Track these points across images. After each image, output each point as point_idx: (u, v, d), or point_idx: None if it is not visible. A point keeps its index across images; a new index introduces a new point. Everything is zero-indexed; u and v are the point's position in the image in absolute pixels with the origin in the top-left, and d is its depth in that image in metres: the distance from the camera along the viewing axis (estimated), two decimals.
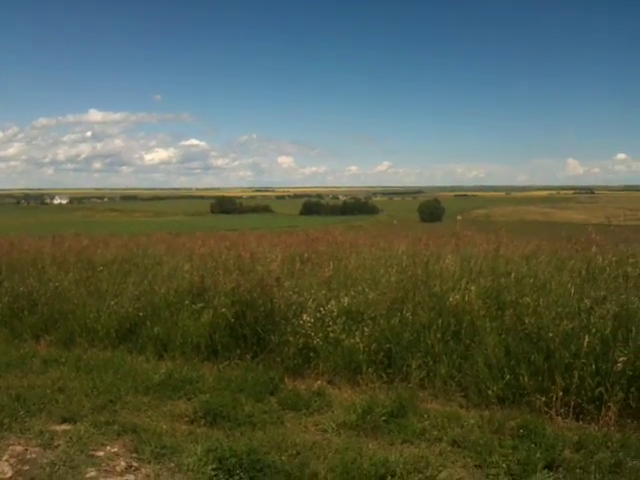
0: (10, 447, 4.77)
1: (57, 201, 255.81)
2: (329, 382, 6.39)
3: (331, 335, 6.64)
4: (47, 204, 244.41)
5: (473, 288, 7.11)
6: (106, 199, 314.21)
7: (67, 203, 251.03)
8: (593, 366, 5.47)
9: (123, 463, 4.54)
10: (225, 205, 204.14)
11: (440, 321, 6.65)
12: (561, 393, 5.43)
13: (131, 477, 4.35)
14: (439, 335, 6.51)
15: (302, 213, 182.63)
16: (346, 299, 7.18)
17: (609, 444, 4.73)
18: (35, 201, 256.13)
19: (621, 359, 5.35)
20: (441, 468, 4.42)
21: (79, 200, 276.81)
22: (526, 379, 5.66)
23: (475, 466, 4.51)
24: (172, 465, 4.48)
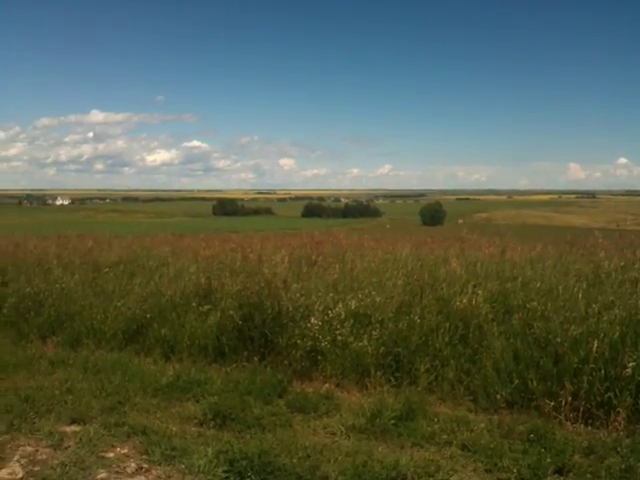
0: (20, 448, 4.79)
1: (59, 202, 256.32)
2: (337, 385, 6.39)
3: (339, 338, 6.63)
4: (49, 205, 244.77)
5: (480, 292, 7.12)
6: (108, 200, 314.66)
7: (69, 204, 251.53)
8: (602, 371, 5.46)
9: (133, 464, 4.55)
10: (227, 207, 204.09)
11: (447, 325, 6.66)
12: (570, 398, 5.43)
13: (142, 479, 4.36)
14: (447, 339, 6.52)
15: (304, 215, 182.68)
16: (353, 302, 7.17)
17: (619, 449, 4.73)
18: (37, 202, 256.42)
19: (630, 364, 5.35)
20: (452, 472, 4.42)
21: (81, 201, 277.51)
22: (535, 384, 5.66)
23: (485, 470, 4.51)
24: (183, 467, 4.48)
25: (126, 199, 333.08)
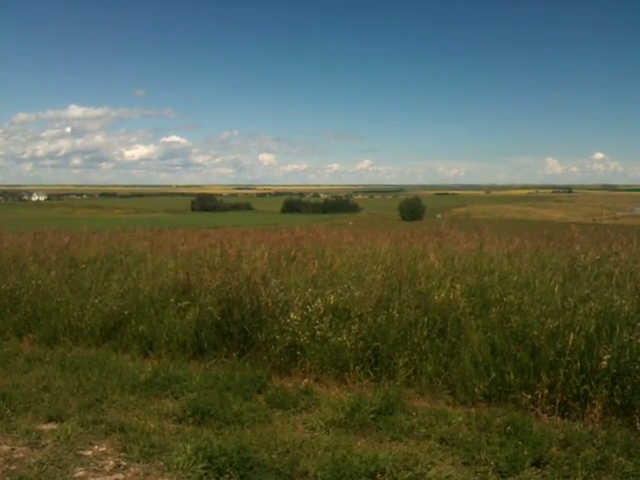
0: None
1: (35, 198, 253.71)
2: (316, 380, 6.40)
3: (318, 333, 6.63)
4: (25, 201, 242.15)
5: (458, 286, 7.15)
6: (85, 196, 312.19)
7: (45, 200, 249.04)
8: (578, 364, 5.51)
9: (112, 462, 4.52)
10: (206, 202, 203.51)
11: (426, 319, 6.68)
12: (546, 391, 5.49)
13: (120, 476, 4.33)
14: (425, 333, 6.55)
15: (283, 211, 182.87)
16: (332, 297, 7.16)
17: (595, 441, 4.78)
18: (13, 198, 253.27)
19: (606, 357, 5.40)
20: (430, 465, 4.44)
21: (58, 197, 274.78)
22: (512, 377, 5.71)
23: (463, 463, 4.54)
24: (161, 464, 4.45)
25: (104, 195, 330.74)
